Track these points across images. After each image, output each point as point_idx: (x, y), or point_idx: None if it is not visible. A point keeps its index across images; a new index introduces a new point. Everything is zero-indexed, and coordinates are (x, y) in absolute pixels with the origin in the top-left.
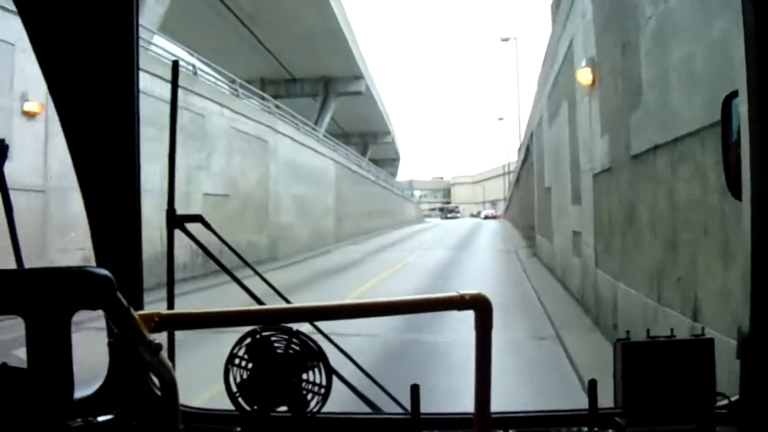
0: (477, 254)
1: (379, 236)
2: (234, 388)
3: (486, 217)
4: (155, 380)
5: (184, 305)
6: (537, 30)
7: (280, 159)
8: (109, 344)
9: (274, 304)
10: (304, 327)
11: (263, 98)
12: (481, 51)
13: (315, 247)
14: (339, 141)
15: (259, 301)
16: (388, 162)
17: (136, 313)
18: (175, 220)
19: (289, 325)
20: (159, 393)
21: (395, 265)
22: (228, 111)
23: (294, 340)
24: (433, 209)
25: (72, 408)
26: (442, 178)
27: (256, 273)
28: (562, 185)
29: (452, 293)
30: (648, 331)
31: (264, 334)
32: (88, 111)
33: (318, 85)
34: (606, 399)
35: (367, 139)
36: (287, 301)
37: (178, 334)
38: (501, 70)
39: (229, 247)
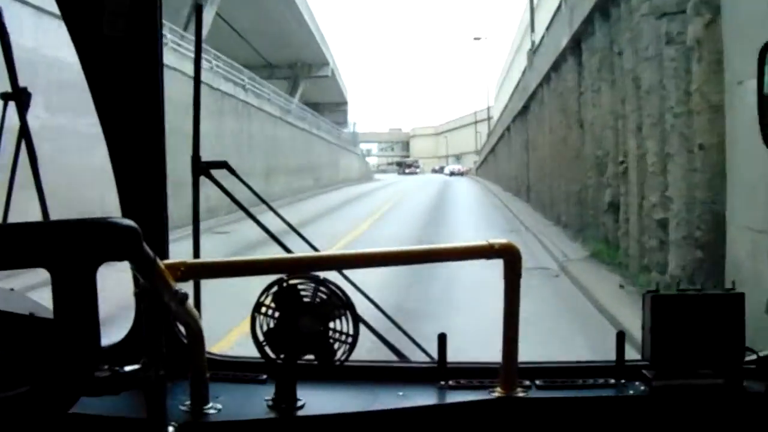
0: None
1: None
2: (261, 337)
3: (452, 174)
4: (182, 329)
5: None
6: None
7: None
8: (135, 294)
9: (301, 251)
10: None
11: None
12: None
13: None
14: (261, 75)
15: (287, 249)
16: (332, 107)
17: (162, 263)
18: (200, 167)
19: (316, 273)
20: (185, 342)
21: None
22: None
23: (321, 288)
24: (391, 164)
25: (99, 358)
26: (400, 129)
27: (283, 220)
28: None
29: (481, 242)
30: (678, 283)
31: (291, 282)
32: (111, 58)
33: None
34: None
35: (297, 71)
36: (315, 249)
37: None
38: None
39: (257, 195)
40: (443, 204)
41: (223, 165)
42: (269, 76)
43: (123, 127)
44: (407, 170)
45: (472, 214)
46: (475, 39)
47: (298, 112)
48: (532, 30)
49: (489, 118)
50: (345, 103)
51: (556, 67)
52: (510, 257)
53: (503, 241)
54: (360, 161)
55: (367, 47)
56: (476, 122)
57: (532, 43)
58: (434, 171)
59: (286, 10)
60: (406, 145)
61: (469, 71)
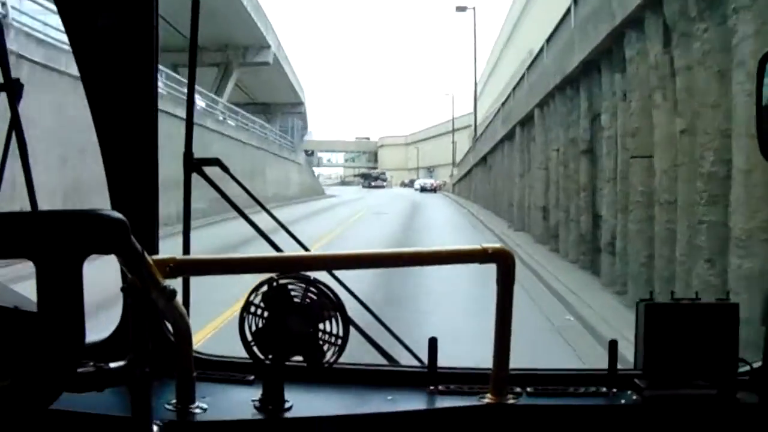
0: None
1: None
2: (249, 337)
3: (423, 189)
4: (169, 327)
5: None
6: None
7: None
8: (123, 290)
9: (292, 251)
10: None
11: None
12: None
13: None
14: (183, 61)
15: (277, 248)
16: (285, 108)
17: (151, 258)
18: (192, 164)
19: (307, 273)
20: (173, 339)
21: None
22: None
23: (311, 289)
24: (357, 175)
25: (83, 353)
26: (368, 138)
27: (275, 219)
28: None
29: (474, 246)
30: (672, 293)
31: (281, 282)
32: (104, 48)
33: None
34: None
35: (229, 56)
36: (305, 249)
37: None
38: None
39: (248, 193)
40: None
41: (215, 162)
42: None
43: (114, 119)
44: (373, 183)
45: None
46: (459, 9)
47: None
48: None
49: (475, 122)
50: (301, 103)
51: None
52: (503, 262)
53: (497, 245)
54: (303, 172)
55: (331, 49)
56: (453, 131)
57: None
58: (404, 185)
59: None
60: (374, 156)
61: (444, 77)
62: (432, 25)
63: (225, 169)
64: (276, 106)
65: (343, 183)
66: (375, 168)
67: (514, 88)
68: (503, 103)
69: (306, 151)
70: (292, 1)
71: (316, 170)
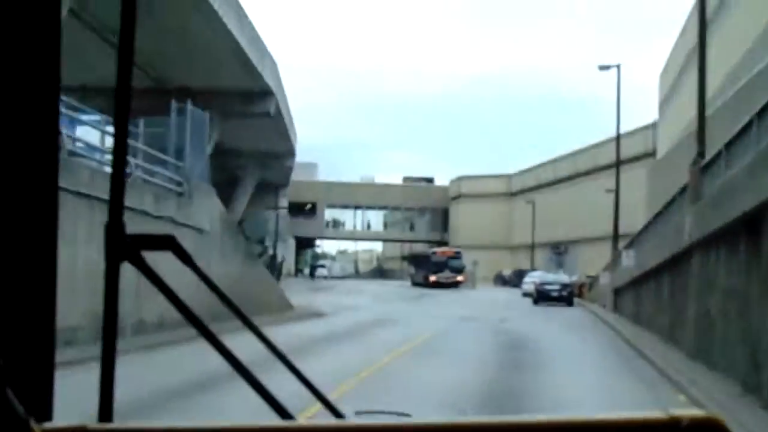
0: None
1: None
2: None
3: (543, 296)
4: None
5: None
6: None
7: None
8: None
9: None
10: None
11: None
12: None
13: None
14: None
15: (283, 412)
16: (229, 100)
17: (41, 427)
18: (123, 246)
19: None
20: None
21: None
22: None
23: None
24: (406, 258)
25: None
26: (430, 180)
27: (270, 347)
28: None
29: (657, 413)
30: None
31: None
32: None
33: None
34: None
35: None
36: (336, 413)
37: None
38: None
39: (222, 297)
40: None
41: (166, 243)
42: None
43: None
44: (434, 277)
45: None
46: None
47: None
48: None
49: (701, 95)
50: (266, 93)
51: None
52: None
53: (697, 412)
54: (215, 252)
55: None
56: (618, 162)
57: None
58: (501, 281)
59: None
60: (441, 217)
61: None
62: None
63: (182, 254)
64: (206, 95)
65: (380, 272)
66: (443, 242)
67: None
68: None
69: (303, 206)
70: None
71: (331, 245)
